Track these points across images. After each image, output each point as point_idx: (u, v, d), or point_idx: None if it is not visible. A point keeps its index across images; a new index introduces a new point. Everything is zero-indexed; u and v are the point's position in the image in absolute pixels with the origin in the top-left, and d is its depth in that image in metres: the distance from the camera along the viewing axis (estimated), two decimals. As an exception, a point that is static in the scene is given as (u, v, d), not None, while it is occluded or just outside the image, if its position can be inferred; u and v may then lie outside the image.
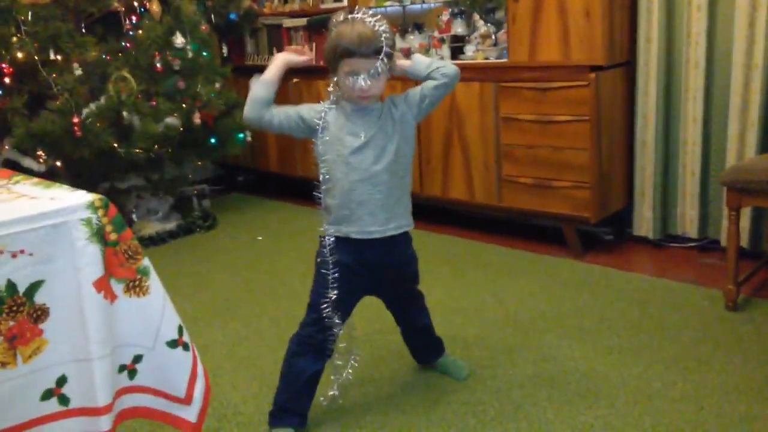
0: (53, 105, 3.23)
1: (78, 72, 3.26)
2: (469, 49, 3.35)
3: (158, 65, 3.47)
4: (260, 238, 3.71)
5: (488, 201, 3.32)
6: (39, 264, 1.24)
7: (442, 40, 3.49)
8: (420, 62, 1.87)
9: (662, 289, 2.69)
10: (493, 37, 3.30)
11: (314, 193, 1.86)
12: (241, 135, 3.88)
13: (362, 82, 1.73)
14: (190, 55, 3.57)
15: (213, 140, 3.81)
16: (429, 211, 3.66)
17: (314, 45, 4.08)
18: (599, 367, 2.15)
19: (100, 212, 1.29)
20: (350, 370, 2.08)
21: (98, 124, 3.25)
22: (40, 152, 3.28)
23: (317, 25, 3.98)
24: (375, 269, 1.89)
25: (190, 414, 1.47)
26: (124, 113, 3.31)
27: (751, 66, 2.73)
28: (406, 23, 3.82)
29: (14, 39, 3.18)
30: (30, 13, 3.19)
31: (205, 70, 3.69)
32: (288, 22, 4.19)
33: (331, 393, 2.03)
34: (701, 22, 2.82)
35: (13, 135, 3.23)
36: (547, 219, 3.21)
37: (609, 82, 2.96)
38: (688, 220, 3.06)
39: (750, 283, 2.59)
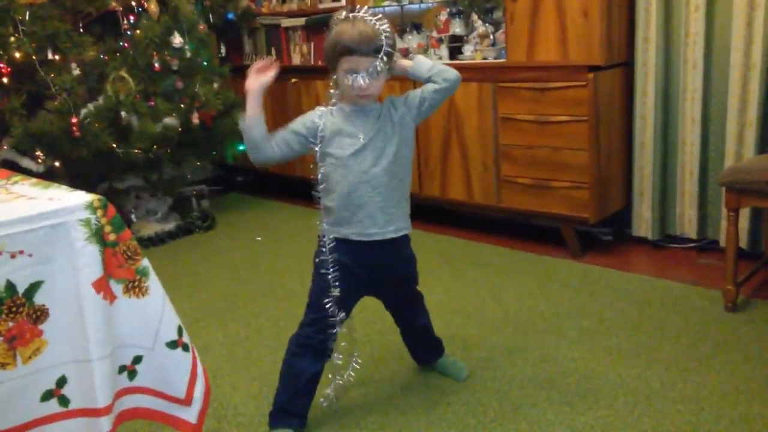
0: (51, 105, 3.23)
1: (76, 72, 3.25)
2: (468, 49, 3.35)
3: (156, 65, 3.47)
4: (259, 238, 3.70)
5: (487, 201, 3.32)
6: (38, 264, 1.24)
7: (440, 40, 3.49)
8: (422, 64, 1.87)
9: (661, 289, 2.69)
10: (492, 37, 3.30)
11: (313, 192, 1.85)
12: (242, 147, 3.88)
13: (361, 80, 1.73)
14: (188, 55, 3.57)
15: (212, 141, 3.82)
16: (428, 212, 3.66)
17: (312, 45, 4.08)
18: (598, 368, 2.15)
19: (99, 213, 1.29)
20: (351, 371, 2.09)
21: (96, 125, 3.25)
22: (38, 152, 3.27)
23: (316, 25, 3.98)
24: (374, 270, 1.89)
25: (190, 415, 1.46)
26: (123, 113, 3.30)
27: (749, 66, 2.73)
28: (404, 23, 3.82)
29: (12, 39, 3.18)
30: (28, 13, 3.19)
31: (203, 70, 3.69)
32: (286, 22, 4.19)
33: (329, 392, 2.03)
34: (699, 22, 2.83)
35: (12, 135, 3.22)
36: (546, 219, 3.21)
37: (607, 83, 2.96)
38: (686, 221, 3.06)
39: (749, 283, 2.59)
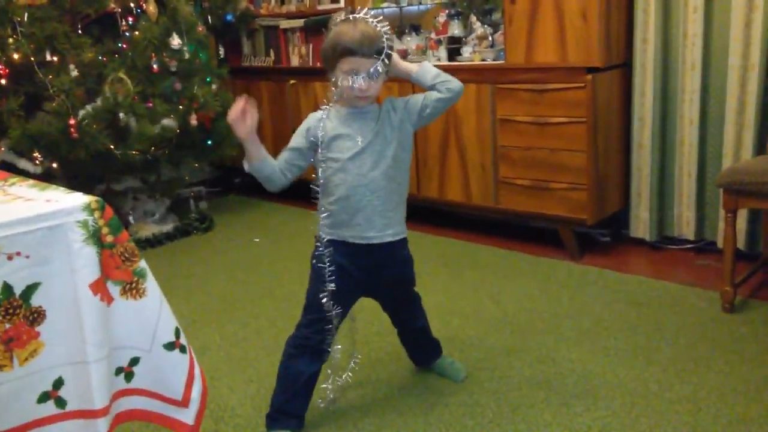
0: (49, 106, 3.22)
1: (74, 73, 3.25)
2: (466, 51, 3.36)
3: (155, 66, 3.47)
4: (257, 239, 3.70)
5: (485, 203, 3.33)
6: (35, 266, 1.24)
7: (438, 42, 3.49)
8: (428, 71, 1.86)
9: (659, 290, 2.69)
10: (490, 38, 3.30)
11: (312, 189, 1.85)
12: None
13: (362, 82, 1.73)
14: (187, 56, 3.56)
15: (209, 142, 3.81)
16: (426, 213, 3.66)
17: (311, 46, 4.08)
18: (596, 369, 2.15)
19: (97, 214, 1.29)
20: (350, 373, 2.09)
21: (95, 126, 3.24)
22: (36, 154, 3.27)
23: (314, 27, 3.98)
24: (371, 272, 1.89)
25: (187, 416, 1.46)
26: (121, 115, 3.30)
27: (747, 67, 2.74)
28: (402, 24, 3.82)
29: (10, 40, 3.17)
30: (26, 14, 3.18)
31: (201, 72, 3.69)
32: (285, 24, 4.19)
33: (327, 387, 2.03)
34: (697, 23, 2.83)
35: (9, 136, 3.22)
36: (544, 221, 3.22)
37: (605, 84, 2.96)
38: (684, 222, 3.06)
39: (747, 284, 2.60)
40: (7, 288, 1.22)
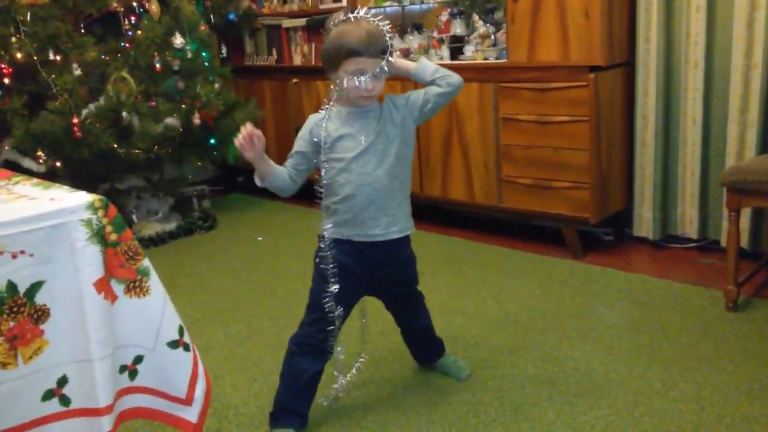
0: (53, 105, 3.23)
1: (77, 72, 3.25)
2: (469, 50, 3.35)
3: (157, 65, 3.47)
4: (260, 238, 3.71)
5: (488, 201, 3.32)
6: (39, 265, 1.24)
7: (441, 41, 3.49)
8: (426, 67, 1.86)
9: (662, 289, 2.69)
10: (492, 37, 3.30)
11: (315, 189, 1.85)
12: None
13: (368, 82, 1.72)
14: (190, 55, 3.57)
15: (212, 140, 3.82)
16: (429, 212, 3.66)
17: (313, 45, 4.09)
18: (599, 368, 2.15)
19: (100, 213, 1.29)
20: (354, 372, 2.09)
21: (98, 125, 3.25)
22: (39, 153, 3.28)
23: (317, 26, 3.98)
24: (374, 270, 1.89)
25: (191, 414, 1.46)
26: (124, 114, 3.31)
27: (751, 66, 2.73)
28: (405, 23, 3.82)
29: (13, 39, 3.18)
30: (29, 14, 3.19)
31: (204, 71, 3.69)
32: (287, 23, 4.20)
33: (335, 386, 2.03)
34: (700, 22, 2.82)
35: (13, 135, 3.23)
36: (547, 219, 3.21)
37: (608, 83, 2.96)
38: (687, 221, 3.06)
39: (750, 283, 2.59)
40: (12, 286, 1.22)
